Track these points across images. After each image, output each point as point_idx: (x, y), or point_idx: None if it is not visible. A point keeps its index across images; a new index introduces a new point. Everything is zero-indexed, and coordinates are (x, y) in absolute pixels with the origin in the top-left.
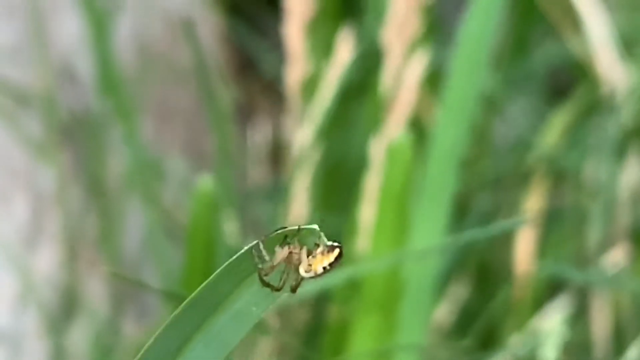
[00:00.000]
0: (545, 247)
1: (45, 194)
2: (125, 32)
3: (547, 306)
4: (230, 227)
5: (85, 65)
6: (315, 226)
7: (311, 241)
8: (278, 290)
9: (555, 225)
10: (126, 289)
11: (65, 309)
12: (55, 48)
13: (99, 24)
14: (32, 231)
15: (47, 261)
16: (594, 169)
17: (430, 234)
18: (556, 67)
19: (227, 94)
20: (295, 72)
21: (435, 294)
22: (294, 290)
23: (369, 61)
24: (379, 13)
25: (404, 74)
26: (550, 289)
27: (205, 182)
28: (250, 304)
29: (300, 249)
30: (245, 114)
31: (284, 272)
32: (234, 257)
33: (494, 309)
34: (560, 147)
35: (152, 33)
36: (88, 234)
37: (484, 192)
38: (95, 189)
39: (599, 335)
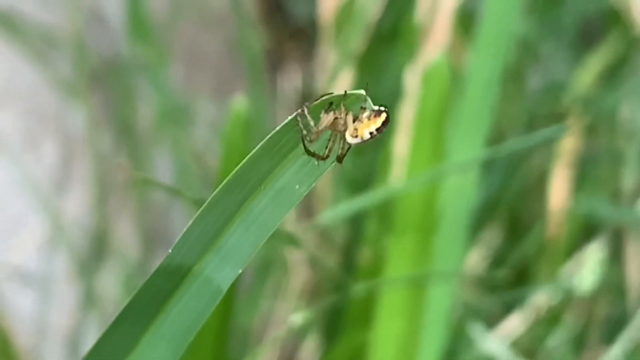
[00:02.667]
0: (579, 189)
1: (75, 137)
2: None
3: (582, 248)
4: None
5: (115, 10)
6: (362, 91)
7: (357, 106)
8: (324, 159)
9: (590, 167)
10: (156, 231)
11: (95, 252)
12: None
13: None
14: (62, 174)
15: (76, 204)
16: (629, 112)
17: (464, 175)
18: (590, 14)
19: (257, 40)
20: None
21: (471, 224)
22: (340, 159)
23: None
24: None
25: (439, 2)
26: (584, 233)
27: (240, 102)
28: (293, 181)
29: (346, 114)
30: (274, 60)
31: (329, 139)
32: (277, 128)
33: (527, 250)
34: (595, 90)
35: None
36: (118, 177)
37: (518, 132)
38: (124, 132)
39: (634, 278)
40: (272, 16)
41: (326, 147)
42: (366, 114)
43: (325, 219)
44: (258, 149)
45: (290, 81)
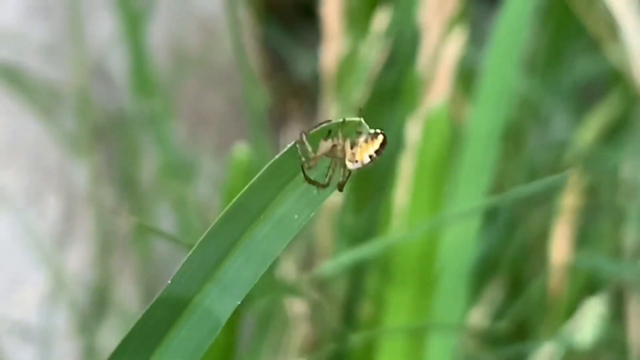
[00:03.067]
0: (581, 245)
1: (78, 192)
2: (159, 34)
3: (584, 304)
4: None
5: (119, 65)
6: (359, 118)
7: (354, 132)
8: (324, 187)
9: (592, 224)
10: (158, 287)
11: (96, 307)
12: (90, 47)
13: (134, 24)
14: (64, 229)
15: (78, 260)
16: (630, 170)
17: (465, 226)
18: (591, 73)
19: (260, 97)
20: (331, 51)
21: (472, 277)
22: (340, 187)
23: (406, 40)
24: None
25: (441, 54)
26: (585, 290)
27: (241, 150)
28: (293, 211)
29: (344, 141)
30: (277, 118)
31: (329, 167)
32: (277, 157)
33: (529, 305)
34: (596, 147)
35: (186, 36)
36: (120, 231)
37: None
38: (127, 188)
39: (636, 336)
40: (275, 74)
41: (326, 175)
42: (363, 137)
43: (326, 270)
44: (257, 179)
45: (293, 139)
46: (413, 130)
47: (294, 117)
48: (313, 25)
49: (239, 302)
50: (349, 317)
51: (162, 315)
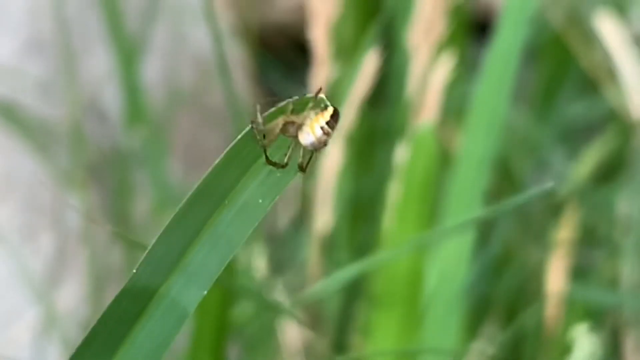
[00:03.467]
0: (575, 281)
1: (72, 229)
2: (154, 71)
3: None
4: (259, 264)
5: (114, 102)
6: (315, 94)
7: (306, 107)
8: (283, 167)
9: (587, 259)
10: None
11: None
12: (84, 83)
13: (128, 60)
14: (58, 266)
15: (71, 296)
16: (626, 206)
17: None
18: (588, 112)
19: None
20: (320, 75)
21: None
22: (301, 168)
23: (395, 64)
24: (405, 14)
25: (430, 77)
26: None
27: None
28: (257, 195)
29: (297, 117)
30: None
31: (288, 147)
32: (236, 140)
33: (525, 341)
34: (592, 183)
35: (181, 73)
36: (113, 269)
37: (510, 222)
38: (121, 225)
39: None
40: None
41: (285, 155)
42: (314, 111)
43: (316, 291)
44: (219, 164)
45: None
46: (402, 154)
47: None
48: (308, 63)
49: (205, 292)
50: (339, 342)
51: (128, 307)
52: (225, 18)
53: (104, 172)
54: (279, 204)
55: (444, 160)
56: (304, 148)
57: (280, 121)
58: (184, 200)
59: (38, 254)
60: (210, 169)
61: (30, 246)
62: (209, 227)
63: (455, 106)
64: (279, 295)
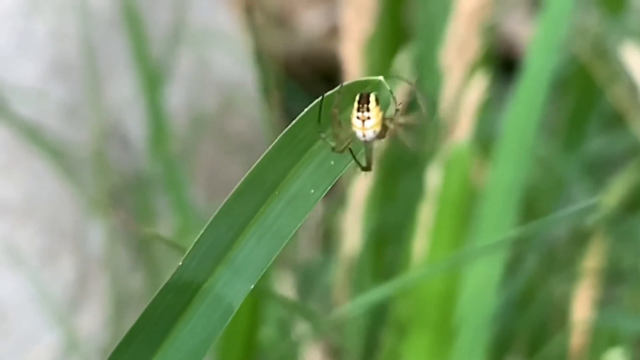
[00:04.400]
0: (602, 310)
1: (93, 254)
2: (178, 98)
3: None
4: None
5: (138, 127)
6: (378, 77)
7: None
8: (340, 151)
9: (614, 290)
10: None
11: None
12: (109, 108)
13: (152, 86)
14: (79, 291)
15: (92, 321)
16: None
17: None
18: (614, 146)
19: None
20: None
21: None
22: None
23: (428, 83)
24: (438, 34)
25: (463, 97)
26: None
27: None
28: (308, 185)
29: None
30: None
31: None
32: (291, 124)
33: None
34: (619, 213)
35: (205, 100)
36: (135, 296)
37: (536, 254)
38: (143, 251)
39: None
40: None
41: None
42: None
43: (344, 311)
44: (271, 151)
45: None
46: (433, 176)
47: None
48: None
49: (252, 286)
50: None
51: (172, 301)
52: (248, 44)
53: (126, 197)
54: (305, 232)
55: (472, 191)
56: (365, 144)
57: (334, 111)
58: (233, 191)
59: (59, 278)
60: (261, 157)
61: (51, 270)
62: (257, 219)
63: (481, 137)
64: (305, 320)
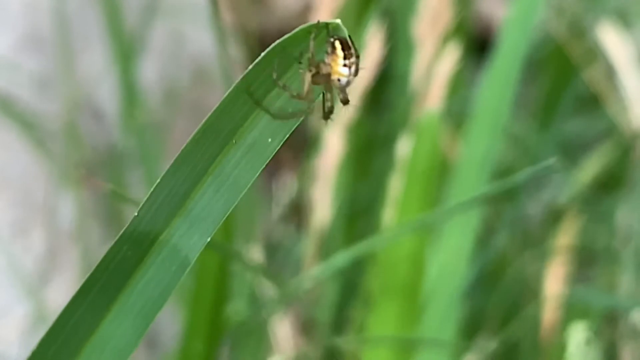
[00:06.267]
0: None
1: (64, 227)
2: (151, 72)
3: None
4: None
5: (110, 100)
6: (334, 20)
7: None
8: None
9: (586, 269)
10: None
11: None
12: (81, 81)
13: (126, 59)
14: (49, 264)
15: (62, 294)
16: (625, 216)
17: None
18: (589, 125)
19: None
20: None
21: (462, 298)
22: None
23: (399, 55)
24: (411, 5)
25: (435, 68)
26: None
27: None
28: (266, 134)
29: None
30: (270, 164)
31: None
32: (247, 70)
33: (522, 349)
34: (591, 192)
35: (179, 74)
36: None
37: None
38: (114, 224)
39: None
40: None
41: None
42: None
43: (312, 276)
44: (226, 99)
45: (286, 189)
46: (403, 146)
47: (286, 164)
48: None
49: (208, 239)
50: (339, 322)
51: (128, 252)
52: (225, 20)
53: (99, 171)
54: (277, 204)
55: (443, 165)
56: (329, 90)
57: (307, 76)
58: (189, 139)
59: (29, 251)
60: (216, 106)
61: (21, 242)
62: (214, 169)
63: (454, 112)
64: (271, 285)
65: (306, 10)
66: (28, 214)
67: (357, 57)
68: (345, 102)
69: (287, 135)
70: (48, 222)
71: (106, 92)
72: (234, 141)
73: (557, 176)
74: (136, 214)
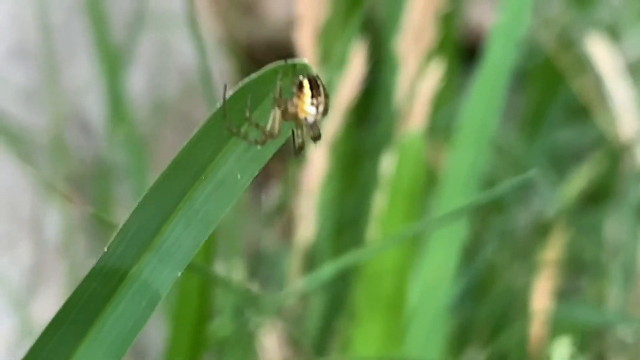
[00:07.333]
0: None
1: (51, 241)
2: (139, 83)
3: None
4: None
5: (97, 113)
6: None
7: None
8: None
9: (573, 282)
10: None
11: None
12: (67, 93)
13: (113, 71)
14: (35, 277)
15: (48, 308)
16: (613, 229)
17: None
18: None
19: None
20: None
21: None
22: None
23: (383, 71)
24: (394, 21)
25: (418, 85)
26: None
27: None
28: (235, 170)
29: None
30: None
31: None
32: (216, 109)
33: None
34: (579, 205)
35: (167, 86)
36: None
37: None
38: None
39: None
40: None
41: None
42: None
43: (295, 287)
44: (196, 135)
45: (273, 198)
46: (388, 162)
47: (275, 175)
48: None
49: (179, 273)
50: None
51: (98, 288)
52: (213, 31)
53: (86, 184)
54: (261, 219)
55: (429, 178)
56: (299, 127)
57: (277, 113)
58: (160, 175)
59: (16, 264)
60: (186, 142)
61: (8, 256)
62: (184, 204)
63: (441, 125)
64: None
65: (295, 20)
66: (14, 228)
67: (327, 96)
68: (316, 138)
69: (257, 172)
70: (34, 236)
71: (93, 105)
72: (203, 177)
73: (545, 187)
74: (105, 249)
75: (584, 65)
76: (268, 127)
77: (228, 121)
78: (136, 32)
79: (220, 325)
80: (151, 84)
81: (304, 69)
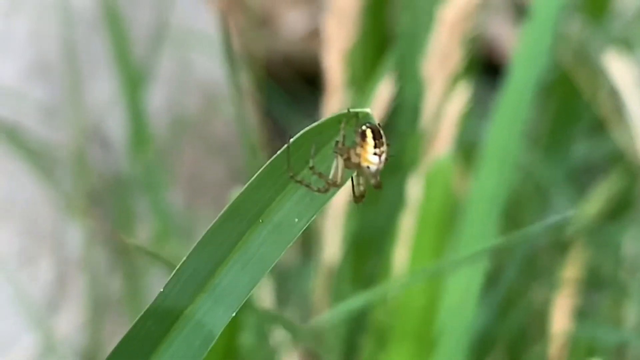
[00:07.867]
0: (580, 320)
1: (71, 256)
2: (159, 99)
3: None
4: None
5: (118, 129)
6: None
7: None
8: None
9: (593, 299)
10: None
11: None
12: (89, 109)
13: (133, 87)
14: (56, 293)
15: (70, 323)
16: (633, 246)
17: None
18: (595, 153)
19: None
20: (333, 104)
21: (472, 348)
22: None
23: (410, 95)
24: (421, 43)
25: (445, 108)
26: None
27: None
28: (292, 214)
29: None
30: None
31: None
32: (275, 155)
33: None
34: (599, 222)
35: (186, 101)
36: (112, 298)
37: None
38: (121, 254)
39: None
40: (275, 143)
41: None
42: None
43: (323, 320)
44: (255, 180)
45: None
46: (414, 187)
47: None
48: (315, 95)
49: (234, 314)
50: None
51: (153, 327)
52: (231, 47)
53: (106, 199)
54: None
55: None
56: (361, 175)
57: (340, 162)
58: (217, 218)
59: (37, 280)
60: (245, 186)
61: (29, 271)
62: (240, 246)
63: (463, 144)
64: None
65: (312, 35)
66: (35, 243)
67: (388, 145)
68: (377, 186)
69: (314, 216)
70: (55, 251)
71: (114, 120)
72: (260, 220)
73: (564, 204)
74: (162, 289)
75: (601, 80)
76: (331, 175)
77: (291, 169)
78: (156, 48)
79: (246, 343)
80: (171, 100)
81: (366, 118)
